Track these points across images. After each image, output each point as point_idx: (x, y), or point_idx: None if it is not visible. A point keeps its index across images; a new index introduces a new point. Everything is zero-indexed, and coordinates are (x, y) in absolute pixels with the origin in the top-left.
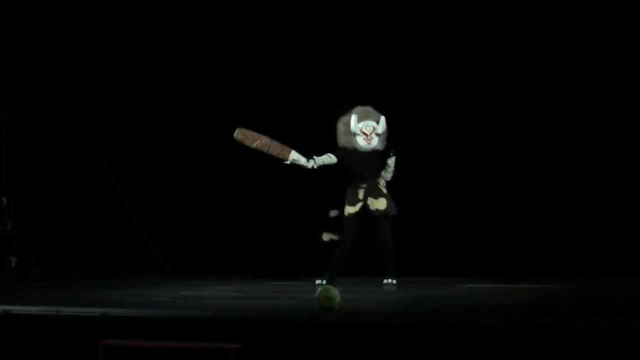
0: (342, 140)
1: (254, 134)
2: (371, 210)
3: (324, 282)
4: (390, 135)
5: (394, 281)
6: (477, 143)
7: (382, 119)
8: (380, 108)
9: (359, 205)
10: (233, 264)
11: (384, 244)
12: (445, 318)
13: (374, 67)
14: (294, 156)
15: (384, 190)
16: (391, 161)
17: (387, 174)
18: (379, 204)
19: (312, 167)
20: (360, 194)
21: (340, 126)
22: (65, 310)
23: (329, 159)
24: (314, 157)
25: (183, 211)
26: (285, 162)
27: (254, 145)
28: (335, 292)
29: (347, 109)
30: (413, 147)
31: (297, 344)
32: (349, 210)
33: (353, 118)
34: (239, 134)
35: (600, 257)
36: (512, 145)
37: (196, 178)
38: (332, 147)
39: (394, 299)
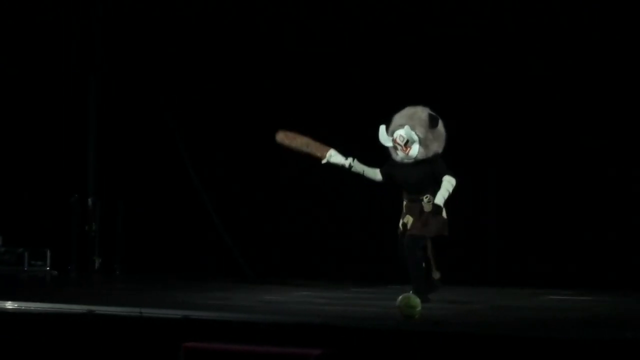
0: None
1: (293, 134)
2: (406, 229)
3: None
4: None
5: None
6: (558, 149)
7: (414, 122)
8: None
9: (401, 222)
10: (315, 269)
11: (407, 254)
12: (526, 329)
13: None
14: (333, 158)
15: (425, 209)
16: (444, 186)
17: (439, 195)
18: (408, 220)
19: (349, 166)
20: (404, 207)
21: None
22: (148, 311)
23: (372, 173)
24: (355, 160)
25: (266, 216)
26: (322, 161)
27: (293, 144)
28: (416, 301)
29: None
30: (490, 150)
31: (378, 351)
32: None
33: (381, 130)
34: (280, 135)
35: None
36: (595, 155)
37: (279, 182)
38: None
39: (476, 308)
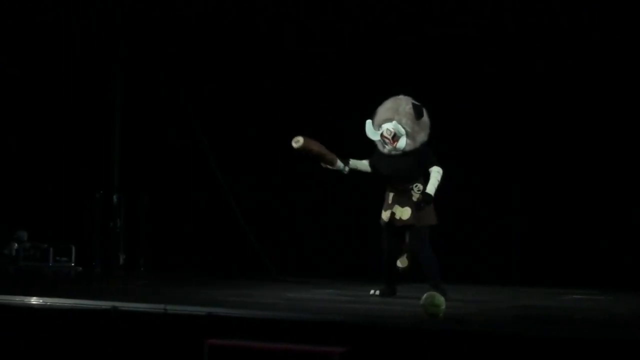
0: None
1: (310, 144)
2: (395, 220)
3: (377, 292)
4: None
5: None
6: (580, 149)
7: (400, 116)
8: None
9: (389, 213)
10: (338, 267)
11: (416, 253)
12: (548, 328)
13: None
14: (338, 164)
15: (414, 198)
16: (433, 176)
17: (430, 185)
18: (404, 213)
19: (345, 170)
20: (390, 198)
21: None
22: (172, 308)
23: (363, 166)
24: (350, 160)
25: (289, 213)
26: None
27: (311, 154)
28: (440, 299)
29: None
30: (513, 151)
31: (402, 349)
32: (382, 216)
33: (368, 125)
34: (303, 144)
35: None
36: (616, 156)
37: (302, 181)
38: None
39: (499, 307)
